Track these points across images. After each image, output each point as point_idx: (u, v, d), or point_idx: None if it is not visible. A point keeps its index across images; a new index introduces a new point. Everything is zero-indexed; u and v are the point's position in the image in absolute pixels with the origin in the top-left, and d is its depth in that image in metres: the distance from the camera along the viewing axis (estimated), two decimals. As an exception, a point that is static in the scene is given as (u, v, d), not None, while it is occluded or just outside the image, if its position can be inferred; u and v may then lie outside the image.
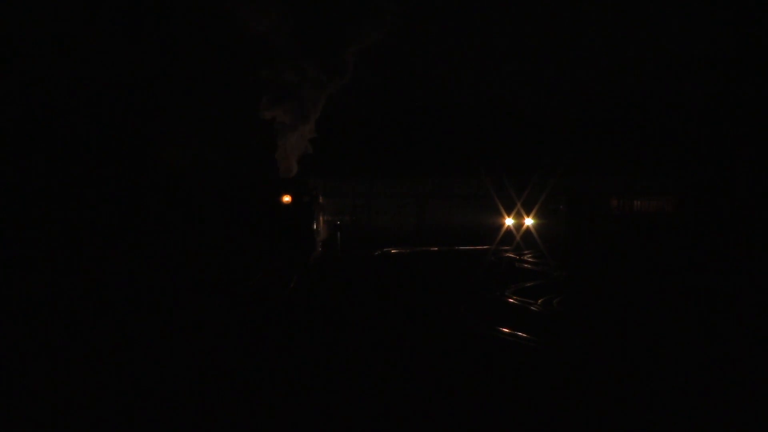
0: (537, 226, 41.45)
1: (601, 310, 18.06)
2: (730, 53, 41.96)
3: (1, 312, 16.83)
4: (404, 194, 51.39)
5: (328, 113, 35.24)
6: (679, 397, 10.31)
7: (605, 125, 49.20)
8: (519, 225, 42.36)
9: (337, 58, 33.16)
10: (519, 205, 42.53)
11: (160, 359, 12.32)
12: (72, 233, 29.26)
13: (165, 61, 38.57)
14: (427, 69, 49.32)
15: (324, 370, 11.72)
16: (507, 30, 48.90)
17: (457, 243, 41.47)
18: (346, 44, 33.22)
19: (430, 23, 47.50)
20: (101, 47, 35.06)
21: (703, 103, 44.50)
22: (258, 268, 25.13)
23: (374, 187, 50.90)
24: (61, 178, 32.11)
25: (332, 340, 14.07)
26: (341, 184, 49.12)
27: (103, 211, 31.81)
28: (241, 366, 11.87)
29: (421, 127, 51.28)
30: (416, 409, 9.68)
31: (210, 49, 39.39)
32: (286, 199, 29.67)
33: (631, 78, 48.31)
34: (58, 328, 14.93)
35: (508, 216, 43.08)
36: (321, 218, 36.70)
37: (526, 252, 35.66)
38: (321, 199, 37.33)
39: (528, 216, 42.24)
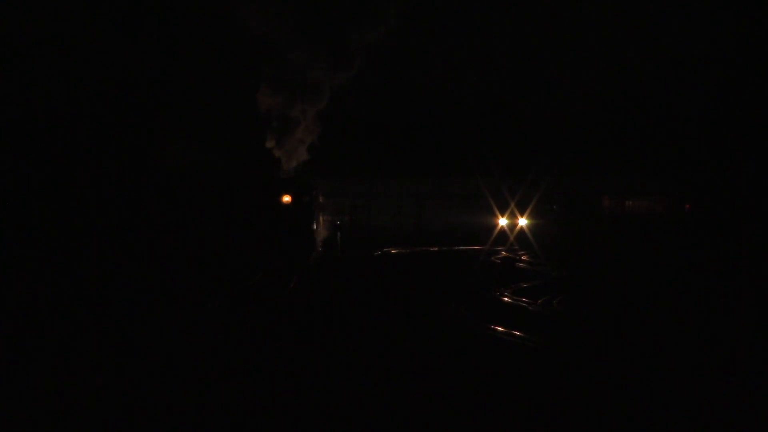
0: (531, 226, 41.57)
1: (597, 310, 18.07)
2: (729, 53, 41.99)
3: (1, 312, 16.83)
4: (404, 194, 51.46)
5: (328, 113, 35.24)
6: (675, 397, 10.33)
7: (601, 125, 49.26)
8: (513, 225, 42.50)
9: (340, 51, 33.10)
10: (513, 205, 42.70)
11: (159, 359, 12.33)
12: (71, 233, 29.26)
13: (165, 61, 38.57)
14: (427, 69, 49.34)
15: (324, 369, 11.74)
16: (507, 30, 48.92)
17: (456, 243, 41.54)
18: (349, 37, 33.17)
19: (430, 23, 47.51)
20: (101, 47, 35.05)
21: (697, 104, 44.57)
22: (258, 268, 25.14)
23: (374, 187, 50.94)
24: (61, 178, 32.11)
25: (332, 340, 14.09)
26: (341, 184, 49.11)
27: (102, 211, 31.82)
28: (241, 366, 11.89)
29: (420, 127, 51.31)
30: (416, 410, 9.69)
31: (210, 48, 39.38)
32: (286, 199, 29.67)
33: (626, 79, 48.37)
34: (58, 328, 14.94)
35: (502, 216, 43.25)
36: (321, 218, 36.72)
37: (520, 252, 35.78)
38: (321, 199, 37.35)
39: (522, 216, 42.39)
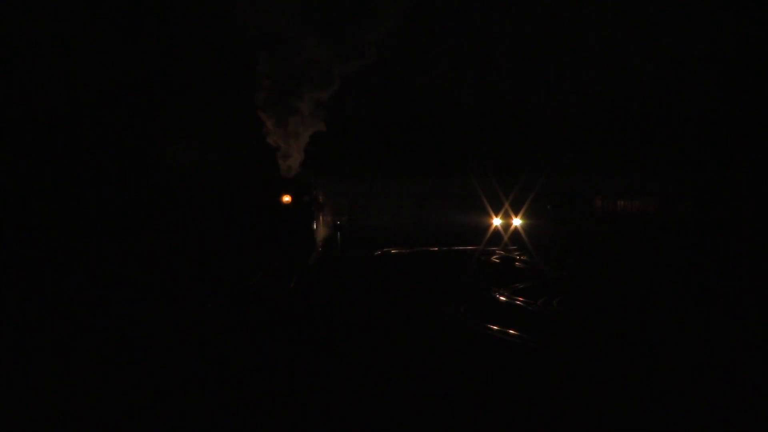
0: (525, 226, 41.62)
1: (597, 310, 18.09)
2: (726, 53, 42.00)
3: (1, 312, 16.85)
4: (403, 194, 51.51)
5: (328, 113, 35.21)
6: (673, 397, 10.34)
7: (594, 126, 49.32)
8: (507, 225, 42.57)
9: (340, 51, 33.01)
10: (507, 205, 42.78)
11: (159, 359, 12.34)
12: (72, 233, 29.27)
13: (165, 61, 38.57)
14: (427, 69, 49.36)
15: (324, 369, 11.75)
16: (506, 30, 48.94)
17: (455, 243, 41.52)
18: (349, 37, 33.09)
19: (430, 23, 47.53)
20: (101, 47, 35.05)
21: (692, 104, 44.63)
22: (258, 268, 25.15)
23: (374, 187, 51.00)
24: (61, 178, 32.13)
25: (332, 340, 14.10)
26: (341, 184, 49.14)
27: (103, 211, 31.84)
28: (241, 366, 11.91)
29: (420, 127, 51.36)
30: (416, 409, 9.71)
31: (209, 49, 39.38)
32: (286, 199, 29.67)
33: (620, 80, 48.44)
34: (59, 328, 14.95)
35: (497, 216, 43.34)
36: (321, 218, 36.71)
37: (515, 252, 35.84)
38: (321, 199, 37.35)
39: (516, 216, 42.46)
